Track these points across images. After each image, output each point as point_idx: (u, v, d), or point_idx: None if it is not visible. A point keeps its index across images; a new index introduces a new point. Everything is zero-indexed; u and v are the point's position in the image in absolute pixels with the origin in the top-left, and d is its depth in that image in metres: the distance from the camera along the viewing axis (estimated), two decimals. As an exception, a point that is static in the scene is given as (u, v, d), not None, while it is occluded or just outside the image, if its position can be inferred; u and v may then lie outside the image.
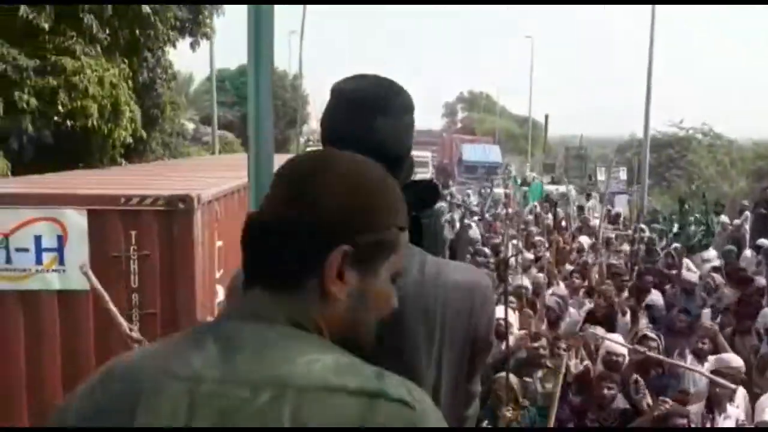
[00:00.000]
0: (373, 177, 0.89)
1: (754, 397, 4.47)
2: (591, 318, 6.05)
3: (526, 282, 6.94)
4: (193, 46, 11.22)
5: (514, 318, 5.81)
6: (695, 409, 4.24)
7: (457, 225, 10.96)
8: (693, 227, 10.83)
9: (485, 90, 67.85)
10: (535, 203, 15.59)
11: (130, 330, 3.94)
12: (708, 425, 4.16)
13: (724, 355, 4.75)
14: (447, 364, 1.14)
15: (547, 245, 9.54)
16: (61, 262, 4.27)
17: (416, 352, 1.10)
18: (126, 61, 9.18)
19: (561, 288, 7.30)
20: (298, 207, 0.84)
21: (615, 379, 4.43)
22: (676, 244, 10.60)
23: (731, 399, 4.29)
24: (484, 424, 4.24)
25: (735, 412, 4.23)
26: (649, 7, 17.85)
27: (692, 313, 6.17)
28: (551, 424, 3.84)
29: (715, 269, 8.12)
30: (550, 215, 13.84)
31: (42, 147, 8.26)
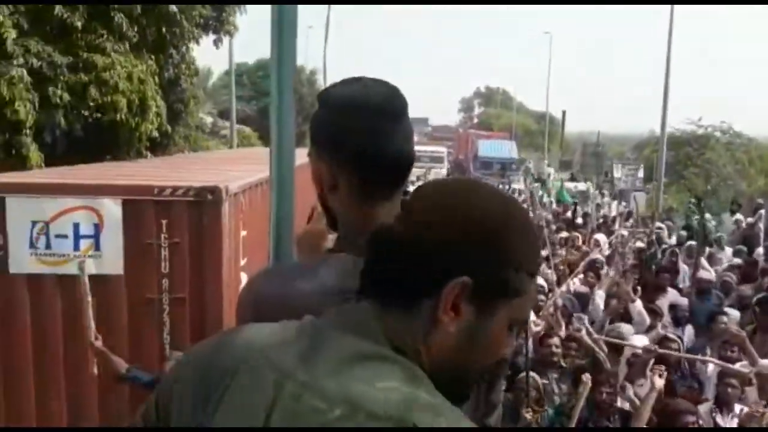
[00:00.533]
0: (517, 216, 0.86)
1: None
2: (611, 311, 6.03)
3: (540, 281, 6.78)
4: (216, 43, 11.49)
5: (532, 316, 5.72)
6: (705, 408, 4.19)
7: None
8: (705, 225, 10.83)
9: (502, 86, 67.70)
10: (552, 199, 15.62)
11: (96, 338, 4.14)
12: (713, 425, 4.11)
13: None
14: None
15: (563, 243, 9.51)
16: (97, 248, 4.53)
17: None
18: (153, 57, 9.46)
19: (578, 285, 7.27)
20: (434, 228, 0.82)
21: (613, 382, 4.35)
22: (691, 242, 10.63)
23: (740, 398, 4.24)
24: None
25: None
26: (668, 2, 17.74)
27: (711, 313, 6.06)
28: (573, 424, 3.83)
29: (732, 267, 8.11)
30: (568, 213, 13.79)
31: (73, 140, 8.57)
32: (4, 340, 4.60)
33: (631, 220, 12.96)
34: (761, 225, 11.34)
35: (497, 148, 30.74)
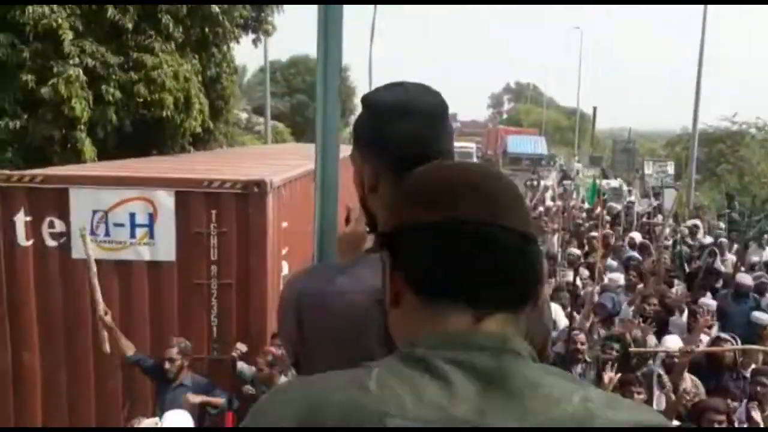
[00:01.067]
0: None
1: None
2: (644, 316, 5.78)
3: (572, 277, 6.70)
4: (255, 42, 11.81)
5: (561, 314, 5.79)
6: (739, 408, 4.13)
7: None
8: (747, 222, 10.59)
9: (532, 81, 66.90)
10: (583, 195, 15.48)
11: (105, 313, 4.40)
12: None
13: None
14: None
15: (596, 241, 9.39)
16: (152, 236, 4.81)
17: None
18: (196, 56, 9.81)
19: (618, 279, 7.20)
20: (530, 224, 0.77)
21: (642, 382, 4.26)
22: (722, 239, 10.48)
23: None
24: None
25: None
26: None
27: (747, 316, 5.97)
28: None
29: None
30: (598, 209, 13.63)
31: (123, 135, 8.96)
32: (69, 320, 4.93)
33: (660, 217, 12.80)
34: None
35: (526, 143, 30.51)
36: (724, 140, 25.16)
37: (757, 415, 4.15)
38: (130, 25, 8.39)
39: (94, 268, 4.46)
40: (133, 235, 4.80)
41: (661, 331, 5.52)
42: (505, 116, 61.55)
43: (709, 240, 10.54)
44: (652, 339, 5.28)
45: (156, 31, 8.75)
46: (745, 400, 4.36)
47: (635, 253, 8.75)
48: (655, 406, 4.28)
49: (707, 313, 5.57)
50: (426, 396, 0.66)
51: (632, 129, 34.74)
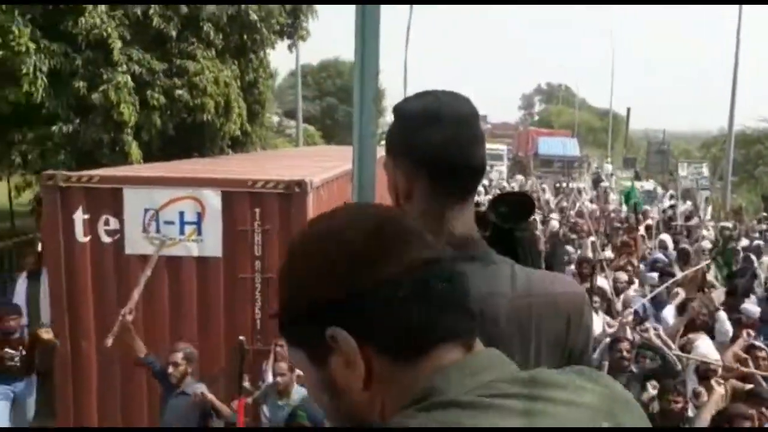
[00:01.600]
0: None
1: None
2: (691, 326, 5.58)
3: (604, 283, 6.69)
4: (291, 47, 12.15)
5: (597, 320, 5.45)
6: None
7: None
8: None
9: (564, 82, 66.17)
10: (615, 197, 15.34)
11: (129, 313, 4.55)
12: None
13: None
14: None
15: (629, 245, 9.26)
16: (200, 233, 5.10)
17: None
18: (235, 62, 10.18)
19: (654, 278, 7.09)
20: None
21: (682, 390, 4.17)
22: (758, 242, 10.34)
23: None
24: None
25: None
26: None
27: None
28: None
29: None
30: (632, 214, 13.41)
31: (166, 138, 9.36)
32: (120, 311, 5.25)
33: (695, 219, 12.63)
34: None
35: (558, 145, 30.17)
36: (762, 141, 24.61)
37: None
38: (173, 33, 8.79)
39: (149, 272, 4.73)
40: (182, 232, 5.09)
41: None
42: (536, 118, 61.02)
43: (745, 243, 10.40)
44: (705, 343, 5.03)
45: (198, 39, 9.13)
46: None
47: (661, 255, 8.67)
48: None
49: (749, 320, 5.51)
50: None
51: (668, 130, 34.20)
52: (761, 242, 10.40)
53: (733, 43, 17.34)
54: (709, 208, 11.91)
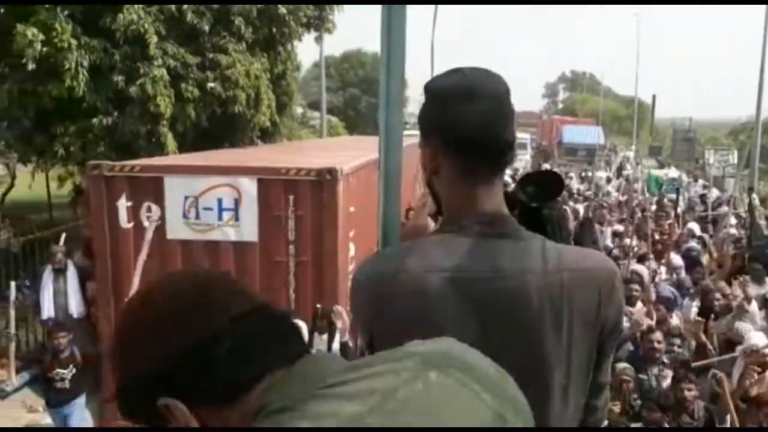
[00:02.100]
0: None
1: None
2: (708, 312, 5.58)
3: (640, 268, 6.63)
4: (317, 40, 12.30)
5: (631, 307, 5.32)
6: None
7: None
8: None
9: (589, 69, 65.16)
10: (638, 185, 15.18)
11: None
12: None
13: None
14: (576, 356, 1.05)
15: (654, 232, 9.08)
16: (237, 219, 5.33)
17: (542, 346, 1.02)
18: (265, 55, 10.38)
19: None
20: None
21: (694, 380, 4.13)
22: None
23: None
24: None
25: None
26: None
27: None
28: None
29: None
30: (656, 201, 13.27)
31: (199, 130, 9.63)
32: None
33: (725, 207, 12.43)
34: None
35: (582, 133, 29.84)
36: (792, 128, 23.97)
37: None
38: (206, 28, 9.03)
39: (145, 255, 4.87)
40: (220, 218, 5.31)
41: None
42: (560, 106, 60.27)
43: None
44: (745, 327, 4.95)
45: (229, 33, 9.35)
46: None
47: (694, 244, 8.58)
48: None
49: None
50: None
51: (695, 118, 33.50)
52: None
53: (762, 27, 16.95)
54: (755, 197, 11.54)
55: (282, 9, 9.96)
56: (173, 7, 8.78)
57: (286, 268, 5.21)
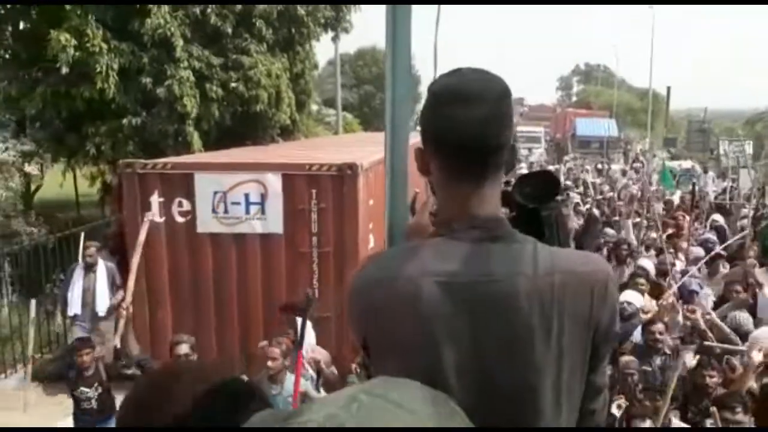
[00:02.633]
0: None
1: None
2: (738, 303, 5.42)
3: (648, 263, 6.61)
4: (334, 39, 12.51)
5: (640, 300, 5.39)
6: None
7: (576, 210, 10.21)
8: None
9: (603, 62, 64.41)
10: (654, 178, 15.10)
11: (127, 308, 4.32)
12: None
13: None
14: (568, 359, 1.04)
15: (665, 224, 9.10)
16: (263, 212, 5.54)
17: (532, 349, 1.01)
18: (285, 55, 10.63)
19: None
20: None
21: (717, 367, 4.06)
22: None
23: None
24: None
25: None
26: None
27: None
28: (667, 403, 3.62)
29: None
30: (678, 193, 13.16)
31: (222, 128, 9.92)
32: (194, 282, 5.76)
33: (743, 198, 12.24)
34: None
35: (596, 126, 29.59)
36: (808, 117, 23.65)
37: None
38: (229, 30, 9.30)
39: (138, 258, 4.89)
40: (247, 212, 5.52)
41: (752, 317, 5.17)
42: (574, 98, 59.74)
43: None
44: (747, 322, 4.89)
45: (250, 35, 9.62)
46: None
47: (711, 235, 8.47)
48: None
49: None
50: None
51: (711, 109, 33.03)
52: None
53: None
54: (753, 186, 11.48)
55: (301, 10, 10.20)
56: (198, 10, 9.06)
57: (310, 258, 5.42)
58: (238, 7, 9.40)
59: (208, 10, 9.07)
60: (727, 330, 4.76)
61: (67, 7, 8.21)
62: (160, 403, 0.83)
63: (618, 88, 48.32)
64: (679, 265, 7.09)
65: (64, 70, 8.11)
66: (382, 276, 1.07)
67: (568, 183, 15.15)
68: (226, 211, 5.59)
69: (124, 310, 4.35)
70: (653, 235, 8.33)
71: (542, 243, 1.09)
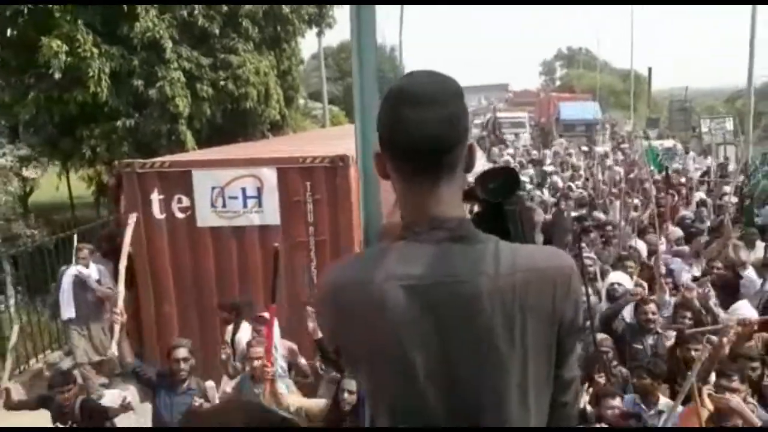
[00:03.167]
0: None
1: None
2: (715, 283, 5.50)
3: (641, 244, 6.62)
4: (319, 35, 12.69)
5: (630, 282, 5.41)
6: None
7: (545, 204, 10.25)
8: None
9: (585, 45, 64.55)
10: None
11: (121, 314, 4.22)
12: None
13: None
14: (533, 354, 1.04)
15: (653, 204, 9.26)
16: (260, 205, 5.71)
17: (496, 350, 1.02)
18: (272, 53, 10.81)
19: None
20: None
21: (701, 340, 3.98)
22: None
23: None
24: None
25: None
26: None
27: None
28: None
29: None
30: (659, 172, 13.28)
31: (214, 126, 10.09)
32: (196, 276, 5.95)
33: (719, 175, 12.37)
34: None
35: (580, 109, 29.81)
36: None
37: None
38: (216, 31, 9.47)
39: (124, 263, 5.01)
40: (245, 205, 5.68)
41: (734, 295, 5.28)
42: (557, 83, 59.96)
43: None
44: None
45: (237, 34, 9.79)
46: None
47: (688, 212, 8.64)
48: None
49: None
50: None
51: (692, 87, 33.35)
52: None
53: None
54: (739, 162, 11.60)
55: (286, 8, 10.36)
56: (185, 12, 9.22)
57: (307, 247, 5.61)
58: (225, 7, 9.55)
59: (195, 12, 9.23)
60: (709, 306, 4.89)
61: (57, 14, 8.32)
62: None
63: (600, 70, 48.57)
64: (662, 246, 7.38)
65: (57, 75, 8.24)
66: (347, 282, 1.09)
67: (555, 168, 15.41)
68: (224, 206, 5.75)
69: (117, 316, 4.30)
70: (645, 215, 8.42)
71: (508, 239, 1.10)
